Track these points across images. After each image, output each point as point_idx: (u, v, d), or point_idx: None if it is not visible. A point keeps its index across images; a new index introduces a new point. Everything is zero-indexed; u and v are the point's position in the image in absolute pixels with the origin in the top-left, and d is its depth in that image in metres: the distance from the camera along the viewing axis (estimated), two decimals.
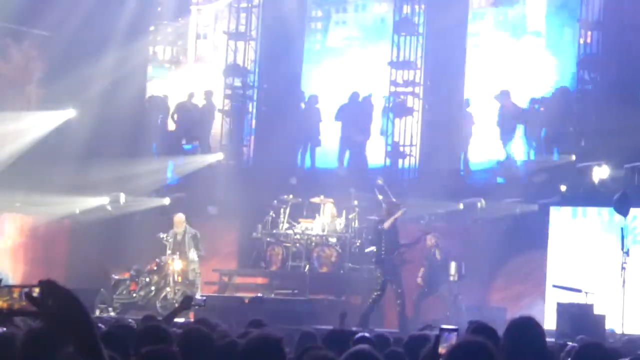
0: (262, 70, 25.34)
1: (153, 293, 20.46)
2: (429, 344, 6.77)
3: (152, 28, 26.19)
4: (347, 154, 24.77)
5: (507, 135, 23.57)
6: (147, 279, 20.58)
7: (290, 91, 25.38)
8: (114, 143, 22.78)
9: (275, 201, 21.82)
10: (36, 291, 3.33)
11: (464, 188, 22.35)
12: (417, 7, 23.94)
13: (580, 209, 20.30)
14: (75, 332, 3.31)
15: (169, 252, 20.67)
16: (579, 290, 17.24)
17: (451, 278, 19.48)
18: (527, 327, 5.78)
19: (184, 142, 25.69)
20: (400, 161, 23.71)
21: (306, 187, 22.63)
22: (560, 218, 20.33)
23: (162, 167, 25.13)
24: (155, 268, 20.61)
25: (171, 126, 25.64)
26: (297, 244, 21.37)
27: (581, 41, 21.91)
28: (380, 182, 21.21)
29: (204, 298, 13.04)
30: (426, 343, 6.74)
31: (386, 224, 17.98)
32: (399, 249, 18.16)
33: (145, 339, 6.14)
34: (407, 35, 23.87)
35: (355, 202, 21.49)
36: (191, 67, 27.22)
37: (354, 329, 12.30)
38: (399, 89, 23.95)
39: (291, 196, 21.71)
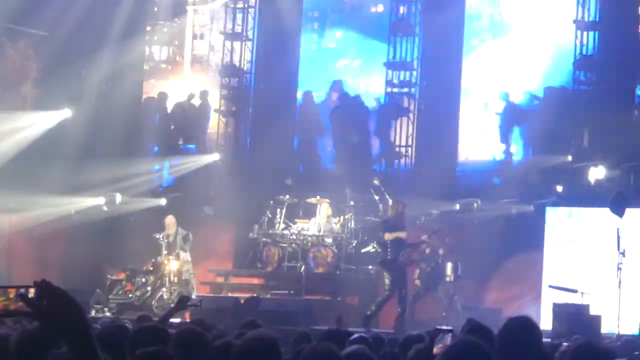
0: (258, 71, 25.32)
1: (149, 293, 20.45)
2: (424, 343, 6.78)
3: (148, 28, 26.16)
4: (343, 154, 24.76)
5: (503, 135, 23.60)
6: (143, 280, 20.57)
7: (287, 91, 25.37)
8: (109, 143, 22.75)
9: (272, 201, 21.82)
10: (31, 292, 3.33)
11: (460, 188, 22.35)
12: (413, 7, 23.94)
13: (576, 209, 20.31)
14: (71, 333, 3.31)
15: (164, 252, 20.66)
16: (575, 291, 17.26)
17: (447, 278, 19.49)
18: (523, 327, 5.76)
19: (180, 142, 25.66)
20: (396, 161, 23.73)
21: (302, 188, 22.62)
22: (556, 218, 20.34)
23: (158, 167, 25.12)
24: (151, 268, 20.61)
25: (168, 126, 25.60)
26: (293, 245, 21.37)
27: (577, 42, 21.92)
28: (376, 182, 21.23)
29: (200, 298, 13.03)
30: (422, 344, 6.74)
31: (387, 236, 17.85)
32: (405, 249, 17.98)
33: (141, 340, 6.13)
34: (403, 36, 23.88)
35: (352, 203, 21.49)
36: (187, 67, 27.22)
37: (351, 329, 12.27)
38: (395, 90, 23.96)
39: (287, 196, 21.71)
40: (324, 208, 21.46)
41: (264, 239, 21.71)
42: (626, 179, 19.93)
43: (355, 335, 7.89)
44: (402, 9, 24.08)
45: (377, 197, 21.30)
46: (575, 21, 22.01)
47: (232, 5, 25.43)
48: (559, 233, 20.08)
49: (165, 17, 26.56)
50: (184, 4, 26.91)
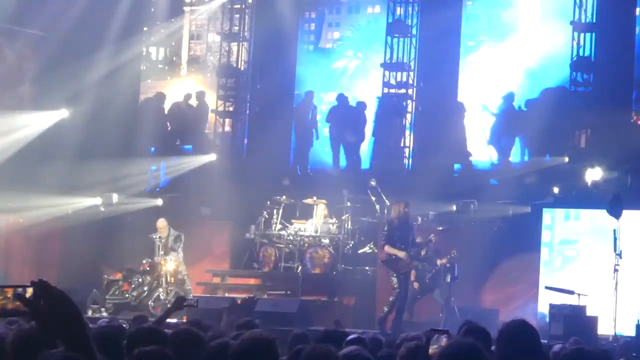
0: (255, 71, 25.33)
1: (146, 293, 20.44)
2: (419, 342, 6.78)
3: (145, 28, 26.14)
4: (340, 155, 24.77)
5: (500, 136, 23.61)
6: (140, 280, 20.57)
7: (284, 92, 25.37)
8: (107, 143, 22.74)
9: (268, 202, 21.82)
10: (29, 292, 3.33)
11: (457, 189, 22.34)
12: (410, 8, 23.94)
13: (573, 210, 20.31)
14: (68, 333, 3.31)
15: (161, 252, 20.66)
16: (572, 292, 17.26)
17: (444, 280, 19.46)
18: (522, 331, 5.76)
19: (177, 142, 25.65)
20: (392, 163, 23.71)
21: (299, 188, 22.62)
22: (553, 220, 20.33)
23: (155, 167, 25.11)
24: (147, 268, 20.61)
25: (165, 127, 25.57)
26: (290, 245, 21.37)
27: (574, 43, 21.93)
28: (373, 183, 21.22)
29: (196, 299, 13.01)
30: (419, 345, 6.74)
31: (387, 248, 17.78)
32: (411, 249, 17.89)
33: (138, 340, 6.12)
34: (400, 36, 23.88)
35: (349, 204, 21.50)
36: (184, 67, 27.21)
37: (348, 330, 12.25)
38: (392, 91, 23.95)
39: (284, 197, 21.71)
40: (320, 209, 21.46)
41: (261, 240, 21.71)
42: (623, 181, 19.93)
43: (352, 336, 7.89)
44: (399, 10, 24.07)
45: (373, 198, 21.30)
46: (572, 22, 22.02)
47: (229, 6, 25.44)
48: (556, 234, 20.08)
49: (163, 18, 26.54)
50: (181, 5, 26.92)
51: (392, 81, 23.85)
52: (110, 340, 6.25)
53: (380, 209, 21.25)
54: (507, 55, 24.08)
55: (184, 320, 14.13)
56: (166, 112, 25.56)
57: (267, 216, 21.75)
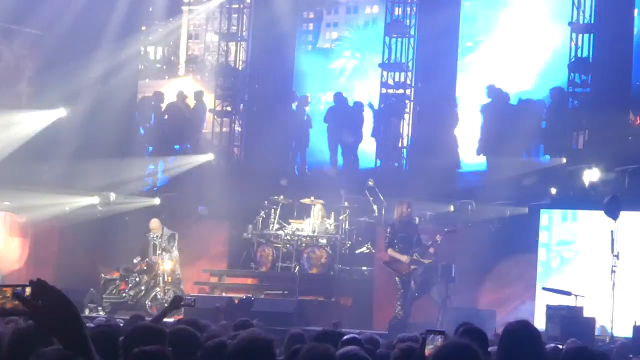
0: (253, 71, 25.34)
1: (143, 293, 20.44)
2: (413, 344, 6.78)
3: (143, 28, 26.15)
4: (338, 155, 24.79)
5: (497, 136, 23.59)
6: (137, 279, 20.57)
7: (282, 92, 25.38)
8: (104, 142, 22.74)
9: (266, 202, 21.82)
10: (28, 291, 3.34)
11: (455, 190, 22.34)
12: (408, 9, 23.96)
13: (570, 211, 20.31)
14: (65, 332, 3.31)
15: (158, 252, 20.66)
16: (569, 293, 17.25)
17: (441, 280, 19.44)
18: (524, 332, 5.74)
19: (175, 142, 25.65)
20: (390, 163, 23.73)
21: (297, 188, 22.62)
22: (551, 220, 20.33)
23: (152, 167, 25.12)
24: (145, 268, 20.60)
25: (163, 126, 25.58)
26: (287, 245, 21.36)
27: (572, 44, 21.94)
28: (371, 183, 21.21)
29: (193, 298, 12.99)
30: (415, 346, 6.74)
31: (390, 252, 17.72)
32: (416, 249, 17.83)
33: (136, 340, 6.12)
34: (398, 37, 23.89)
35: (346, 204, 21.49)
36: (182, 67, 27.23)
37: (345, 330, 12.26)
38: (390, 91, 23.97)
39: (282, 197, 21.71)
40: (318, 209, 21.46)
41: (258, 239, 21.71)
42: (620, 182, 19.93)
43: (348, 336, 7.88)
44: (397, 10, 24.10)
45: (371, 199, 21.29)
46: (570, 23, 22.02)
47: (227, 6, 25.44)
48: (553, 235, 20.07)
49: (161, 17, 26.55)
50: (179, 4, 26.95)
51: (390, 81, 23.86)
52: (108, 340, 6.24)
53: (377, 209, 21.24)
54: (504, 56, 24.08)
55: (181, 319, 14.14)
56: (164, 111, 25.56)
57: (264, 216, 21.75)
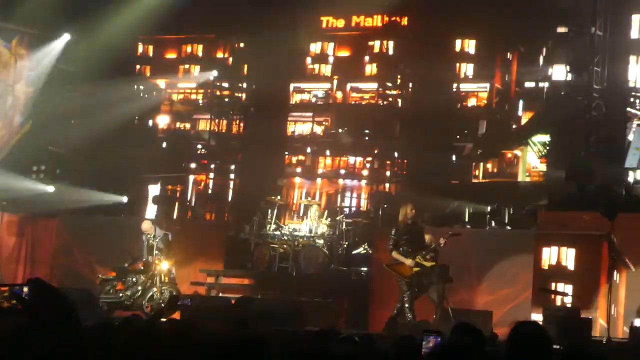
0: (252, 71, 25.35)
1: (139, 293, 20.41)
2: (410, 344, 6.78)
3: None
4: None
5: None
6: (134, 279, 20.55)
7: (280, 92, 25.40)
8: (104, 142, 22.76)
9: (263, 202, 21.82)
10: (25, 290, 3.36)
11: (453, 190, 22.37)
12: None
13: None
14: (61, 330, 3.32)
15: (155, 252, 20.64)
16: (566, 294, 17.26)
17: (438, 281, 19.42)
18: (535, 333, 5.67)
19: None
20: (389, 163, 23.76)
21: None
22: (548, 221, 20.34)
23: None
24: (141, 268, 20.58)
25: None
26: (285, 245, 21.37)
27: None
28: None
29: (190, 299, 13.01)
30: (412, 346, 6.73)
31: (394, 254, 17.63)
32: (420, 252, 17.72)
33: (132, 339, 6.11)
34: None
35: (344, 204, 21.52)
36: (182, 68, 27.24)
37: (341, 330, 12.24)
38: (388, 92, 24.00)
39: (279, 197, 21.71)
40: (315, 209, 21.47)
41: (255, 240, 21.71)
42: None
43: (344, 336, 7.87)
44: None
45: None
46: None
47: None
48: (551, 236, 20.06)
49: None
50: None
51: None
52: (103, 339, 6.24)
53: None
54: None
55: (177, 319, 14.16)
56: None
57: (261, 216, 21.75)
